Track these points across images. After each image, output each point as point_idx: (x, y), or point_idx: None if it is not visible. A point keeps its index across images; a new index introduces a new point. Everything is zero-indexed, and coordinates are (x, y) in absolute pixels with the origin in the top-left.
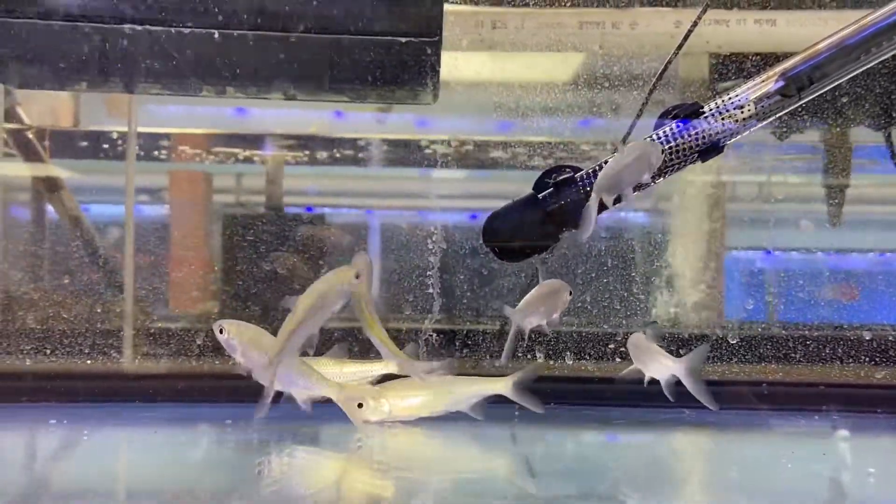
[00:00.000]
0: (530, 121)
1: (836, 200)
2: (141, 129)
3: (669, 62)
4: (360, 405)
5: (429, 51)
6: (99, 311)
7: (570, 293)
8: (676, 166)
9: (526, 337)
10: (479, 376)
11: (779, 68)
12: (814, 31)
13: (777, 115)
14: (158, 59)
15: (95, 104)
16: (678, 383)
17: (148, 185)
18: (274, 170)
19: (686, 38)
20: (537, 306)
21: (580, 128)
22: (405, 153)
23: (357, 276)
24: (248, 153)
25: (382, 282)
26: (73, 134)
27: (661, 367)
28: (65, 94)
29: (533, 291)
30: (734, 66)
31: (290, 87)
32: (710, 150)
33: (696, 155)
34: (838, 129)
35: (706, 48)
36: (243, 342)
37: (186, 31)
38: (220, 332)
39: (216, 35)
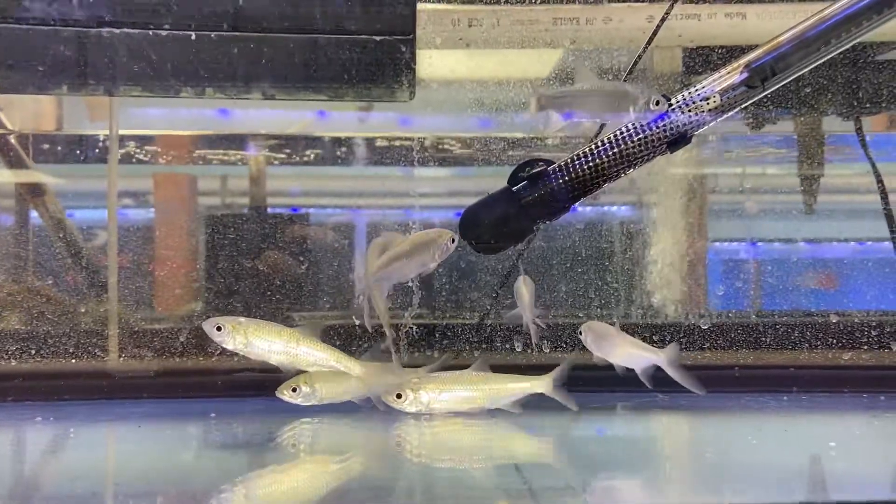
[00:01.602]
0: (508, 116)
1: (811, 188)
2: (123, 132)
3: (639, 57)
4: (399, 395)
5: (403, 49)
6: (83, 311)
7: (454, 240)
8: (646, 157)
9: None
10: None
11: (743, 60)
12: (783, 24)
13: (742, 106)
14: (138, 62)
15: (78, 107)
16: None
17: (131, 187)
18: (257, 170)
19: (654, 33)
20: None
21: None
22: (385, 151)
23: (453, 241)
24: (231, 154)
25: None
26: (56, 138)
27: (639, 358)
28: (46, 98)
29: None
30: (705, 60)
31: (268, 86)
32: (679, 140)
33: (665, 145)
34: (810, 119)
35: (679, 42)
36: (246, 335)
37: (164, 33)
38: (218, 329)
39: (193, 37)
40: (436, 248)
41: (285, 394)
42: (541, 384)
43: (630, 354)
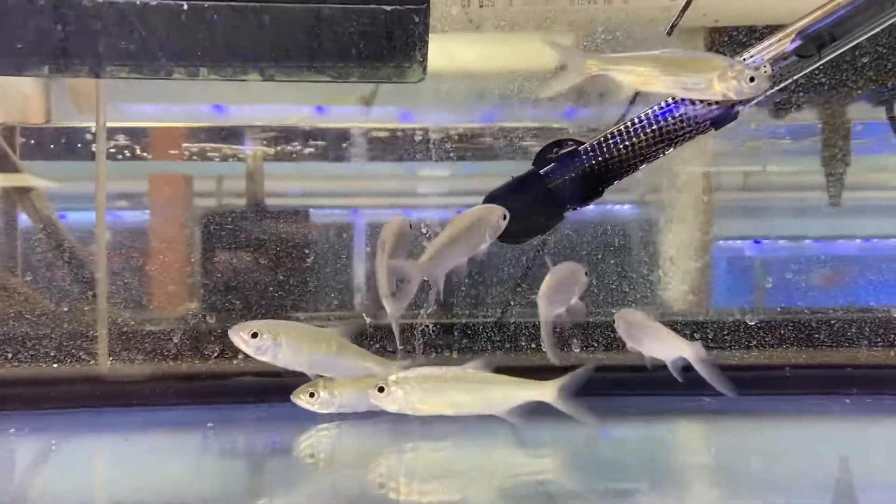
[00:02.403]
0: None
1: (836, 179)
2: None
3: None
4: (380, 388)
5: (416, 19)
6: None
7: (587, 273)
8: (688, 135)
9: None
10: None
11: (796, 26)
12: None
13: (795, 77)
14: (125, 38)
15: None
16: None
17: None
18: (254, 166)
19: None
20: (557, 292)
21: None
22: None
23: (504, 217)
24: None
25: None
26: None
27: (668, 347)
28: (33, 89)
29: (548, 278)
30: (732, 40)
31: (267, 66)
32: (724, 117)
33: (709, 122)
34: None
35: (703, 22)
36: (285, 340)
37: (154, 2)
38: (254, 336)
39: (185, 7)
40: (486, 225)
41: (302, 398)
42: (545, 392)
43: (659, 343)
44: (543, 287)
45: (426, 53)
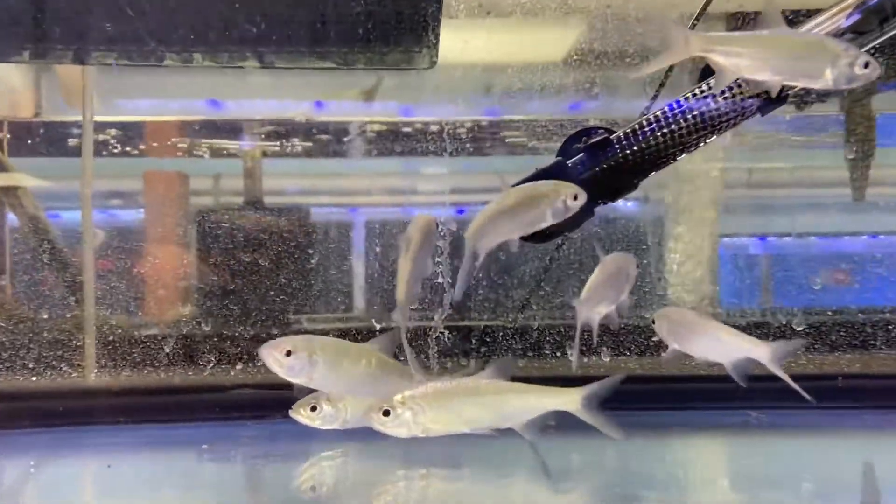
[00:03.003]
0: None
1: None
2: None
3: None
4: (386, 412)
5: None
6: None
7: (638, 266)
8: (732, 121)
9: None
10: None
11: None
12: None
13: None
14: (112, 20)
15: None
16: None
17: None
18: (251, 163)
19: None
20: (605, 290)
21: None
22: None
23: (576, 198)
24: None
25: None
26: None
27: (734, 348)
28: (22, 82)
29: (596, 273)
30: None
31: (267, 51)
32: (772, 100)
33: (756, 107)
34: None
35: (725, 7)
36: (325, 359)
37: None
38: (287, 354)
39: None
40: (548, 204)
41: (302, 414)
42: (569, 400)
43: (720, 343)
44: (588, 287)
45: (437, 38)
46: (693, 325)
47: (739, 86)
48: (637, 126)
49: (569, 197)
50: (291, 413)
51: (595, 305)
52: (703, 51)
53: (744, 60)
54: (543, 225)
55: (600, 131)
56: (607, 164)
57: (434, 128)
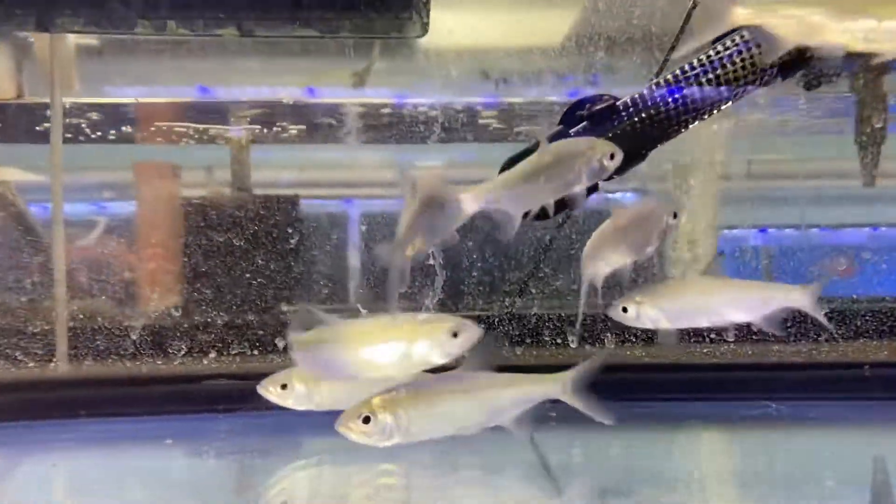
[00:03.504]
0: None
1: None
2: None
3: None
4: (366, 419)
5: None
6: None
7: (676, 215)
8: (750, 85)
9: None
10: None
11: None
12: None
13: None
14: None
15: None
16: None
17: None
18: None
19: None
20: (616, 241)
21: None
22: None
23: (612, 156)
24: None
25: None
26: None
27: (765, 300)
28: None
29: (608, 221)
30: None
31: (246, 18)
32: (794, 63)
33: (776, 70)
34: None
35: None
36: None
37: None
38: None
39: None
40: (583, 163)
41: (271, 391)
42: (553, 387)
43: (749, 298)
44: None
45: (429, 4)
46: (709, 290)
47: (759, 46)
48: (645, 91)
49: (605, 156)
50: (259, 389)
51: (604, 258)
52: (749, 21)
53: (801, 26)
54: (577, 189)
55: (605, 97)
56: (614, 133)
57: None
